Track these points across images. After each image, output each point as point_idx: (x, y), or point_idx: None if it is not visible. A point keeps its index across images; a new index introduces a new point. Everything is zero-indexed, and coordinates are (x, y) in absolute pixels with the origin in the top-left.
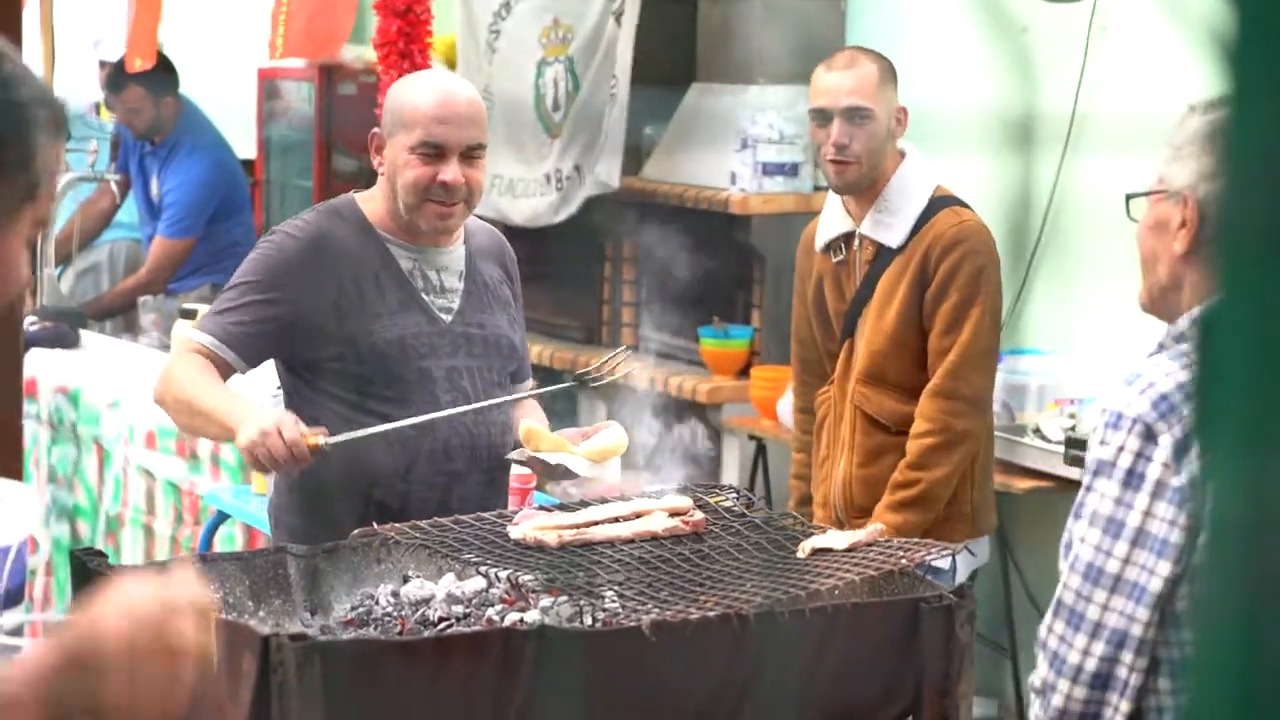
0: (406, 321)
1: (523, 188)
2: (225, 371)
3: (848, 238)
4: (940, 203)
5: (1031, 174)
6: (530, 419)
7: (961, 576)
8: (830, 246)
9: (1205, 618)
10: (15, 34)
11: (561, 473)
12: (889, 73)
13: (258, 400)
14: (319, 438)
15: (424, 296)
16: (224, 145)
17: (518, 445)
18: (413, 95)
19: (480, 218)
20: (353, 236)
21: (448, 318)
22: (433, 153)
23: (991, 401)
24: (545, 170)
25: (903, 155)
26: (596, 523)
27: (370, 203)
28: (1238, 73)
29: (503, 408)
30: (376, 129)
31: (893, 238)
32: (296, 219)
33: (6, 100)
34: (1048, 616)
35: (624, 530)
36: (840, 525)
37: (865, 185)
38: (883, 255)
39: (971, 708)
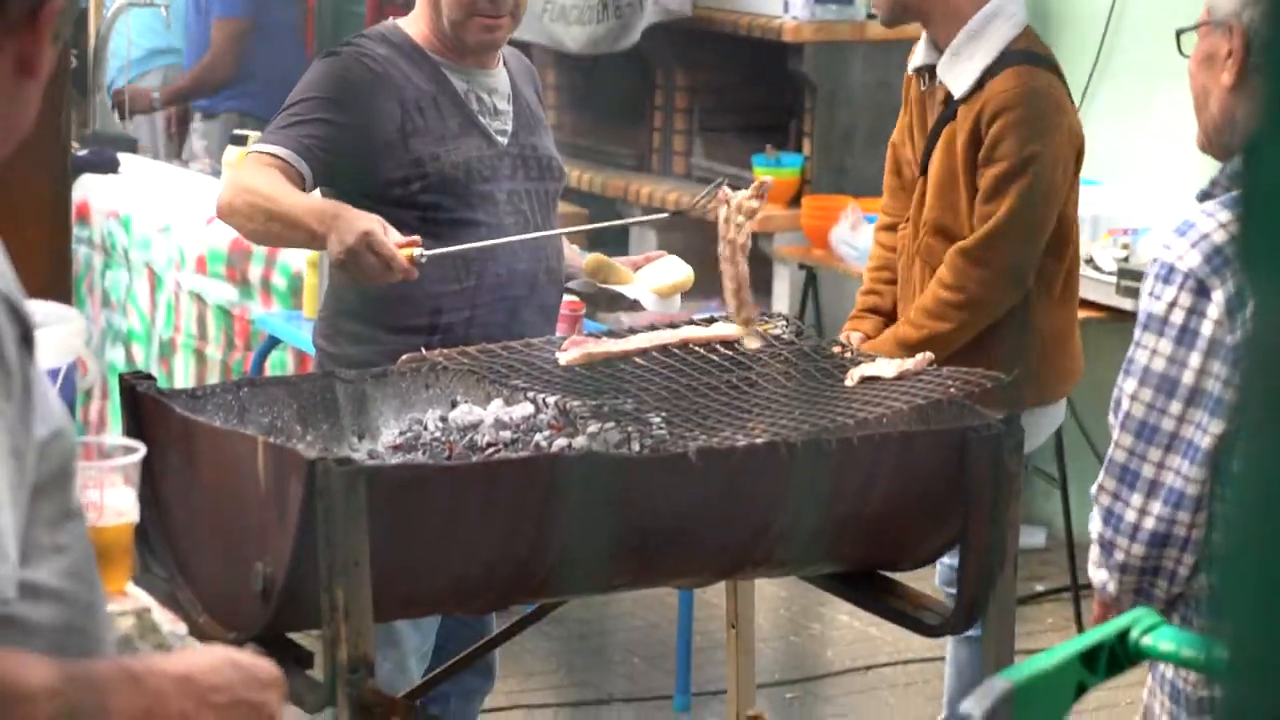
0: (469, 145)
1: (577, 14)
2: (298, 185)
3: (931, 70)
4: (1010, 58)
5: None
6: (588, 251)
7: (1038, 440)
8: (919, 72)
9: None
10: None
11: (627, 305)
12: None
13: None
14: (414, 249)
15: (481, 119)
16: None
17: (572, 277)
18: None
19: (532, 44)
20: (407, 60)
21: (504, 140)
22: None
23: (1025, 277)
24: None
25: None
26: (646, 350)
27: (414, 26)
28: None
29: (556, 235)
30: None
31: (957, 86)
32: (350, 42)
33: None
34: (1100, 474)
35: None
36: None
37: (900, 16)
38: (950, 102)
39: (1019, 536)
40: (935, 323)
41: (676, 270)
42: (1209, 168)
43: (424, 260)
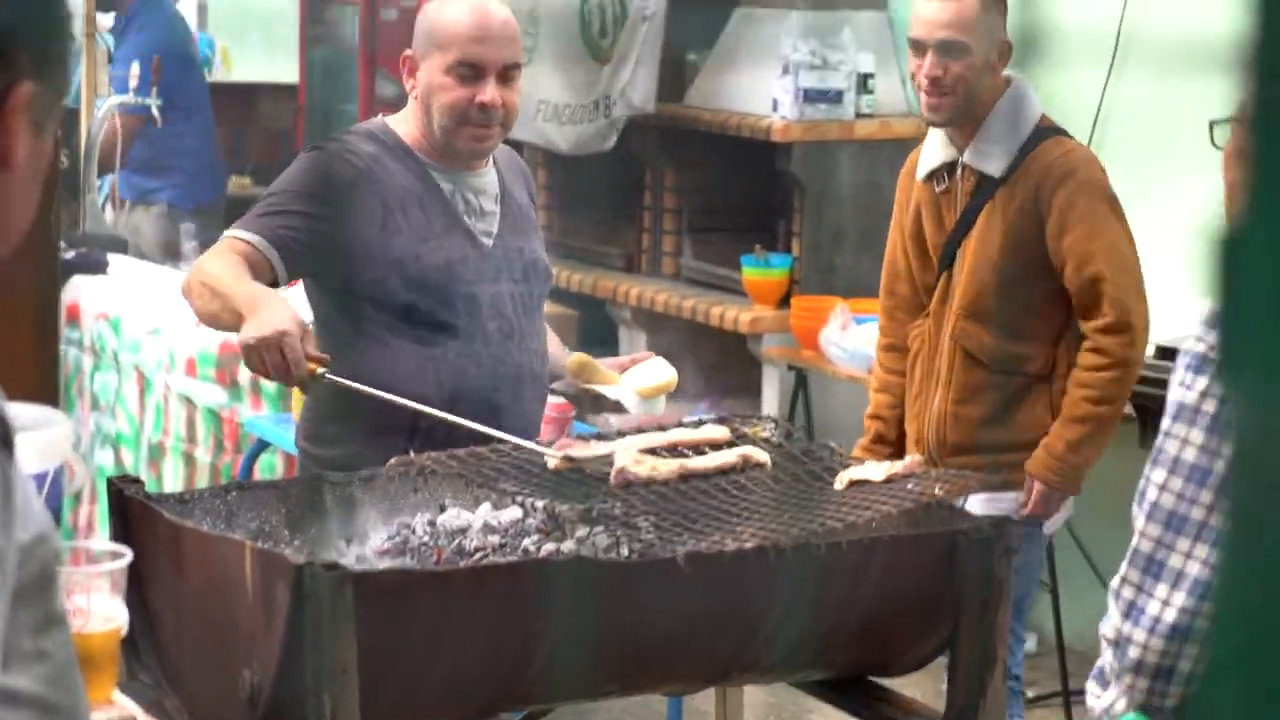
0: (452, 245)
1: (569, 114)
2: (266, 274)
3: (950, 167)
4: (1043, 133)
5: (1073, 99)
6: (573, 352)
7: (1061, 521)
8: (932, 176)
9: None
10: None
11: (610, 406)
12: (994, 2)
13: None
14: (320, 367)
15: (466, 220)
16: (176, 31)
17: (556, 377)
18: (447, 15)
19: (525, 143)
20: (394, 158)
21: (489, 242)
22: (469, 73)
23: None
24: (594, 97)
25: (1009, 83)
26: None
27: (403, 125)
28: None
29: (540, 339)
30: (409, 51)
31: (994, 167)
32: (336, 138)
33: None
34: (1123, 567)
35: (712, 462)
36: (933, 463)
37: (958, 120)
38: (985, 185)
39: (1008, 641)
40: (1105, 407)
41: (661, 372)
42: (1198, 262)
43: (323, 379)
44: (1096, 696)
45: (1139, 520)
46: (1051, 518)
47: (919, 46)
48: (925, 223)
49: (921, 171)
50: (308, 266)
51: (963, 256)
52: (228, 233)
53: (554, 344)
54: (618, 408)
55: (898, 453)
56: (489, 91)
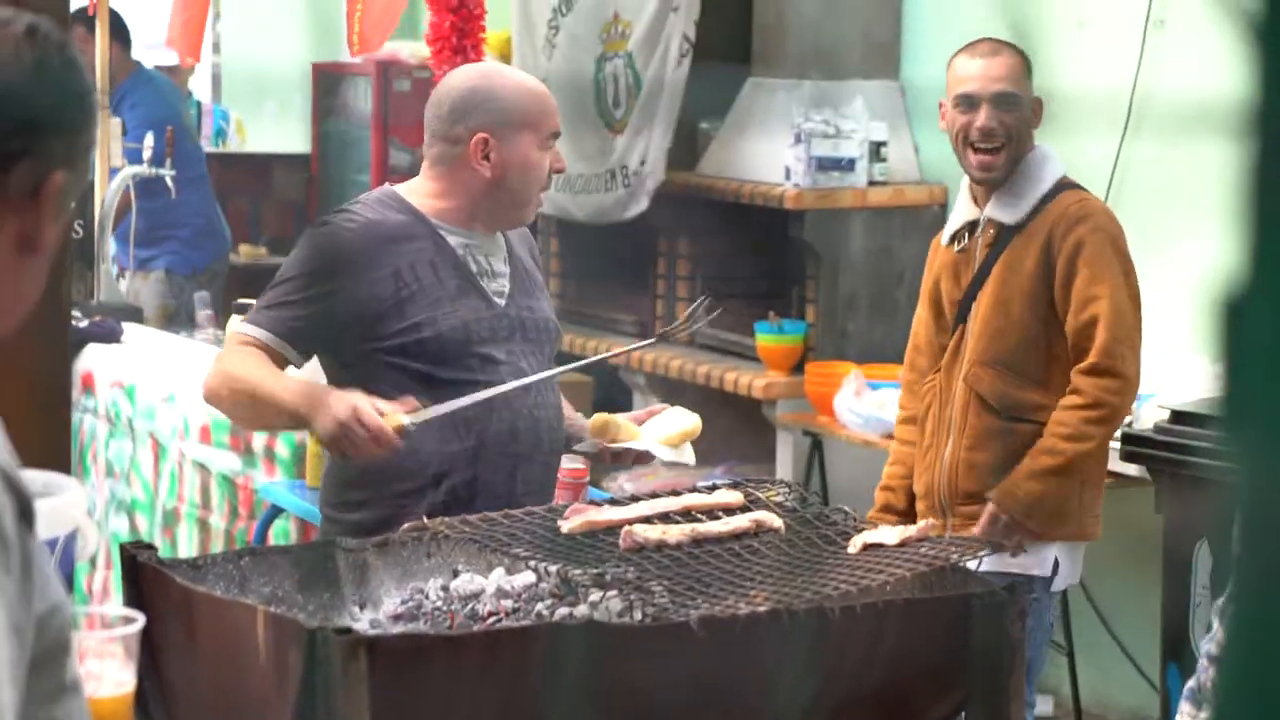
0: (467, 307)
1: (582, 183)
2: (280, 366)
3: (972, 226)
4: (1064, 186)
5: (1087, 164)
6: (590, 414)
7: (1068, 580)
8: (955, 237)
9: (1241, 611)
10: (60, 23)
11: (636, 457)
12: (1029, 64)
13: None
14: (400, 416)
15: (479, 281)
16: (170, 103)
17: (576, 439)
18: (524, 91)
19: (542, 213)
20: (404, 223)
21: (501, 302)
22: (551, 143)
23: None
24: (609, 166)
25: (1033, 145)
26: (648, 518)
27: (415, 194)
28: (1267, 58)
29: (555, 391)
30: (483, 134)
31: (1012, 216)
32: (343, 208)
33: (83, 89)
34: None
35: (725, 526)
36: (942, 513)
37: (1008, 173)
38: (1003, 235)
39: (1023, 705)
40: (1076, 445)
41: (683, 420)
42: (1202, 323)
43: (413, 429)
44: (1191, 716)
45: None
46: (1009, 550)
47: (971, 101)
48: (944, 284)
49: (945, 235)
50: (322, 346)
51: (977, 307)
52: (237, 328)
53: (568, 408)
54: (645, 457)
55: (906, 521)
56: (560, 157)
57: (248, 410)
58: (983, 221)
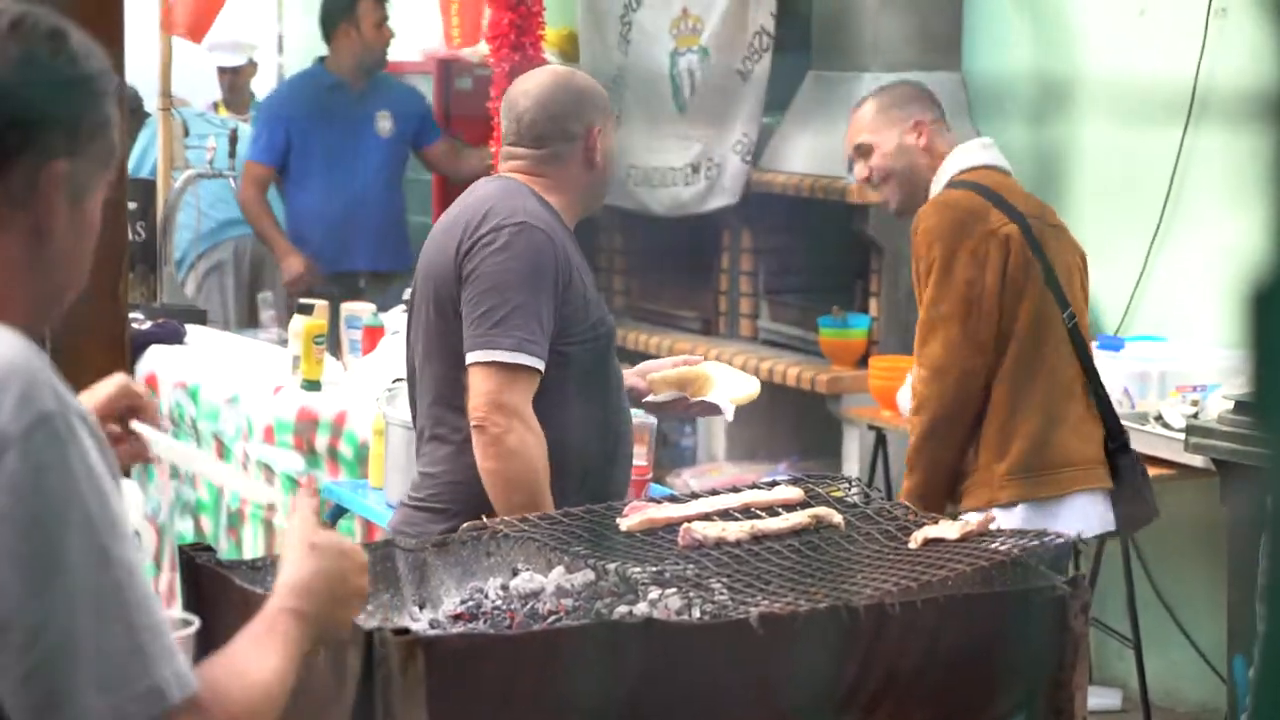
0: (599, 302)
1: (660, 177)
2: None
3: None
4: (953, 184)
5: (1150, 154)
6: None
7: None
8: None
9: (1273, 600)
10: (116, 32)
11: (704, 410)
12: (894, 98)
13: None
14: None
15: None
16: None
17: (638, 392)
18: (597, 84)
19: (616, 208)
20: (557, 224)
21: (596, 297)
22: None
23: (952, 371)
24: (689, 161)
25: (946, 153)
26: (707, 516)
27: (552, 194)
28: None
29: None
30: (598, 127)
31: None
32: (517, 207)
33: (79, 74)
34: None
35: (784, 523)
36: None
37: (917, 198)
38: None
39: (1086, 699)
40: (913, 436)
41: (749, 385)
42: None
43: None
44: None
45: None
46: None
47: (848, 162)
48: None
49: None
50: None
51: None
52: (512, 359)
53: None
54: (713, 410)
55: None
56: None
57: (519, 492)
58: None
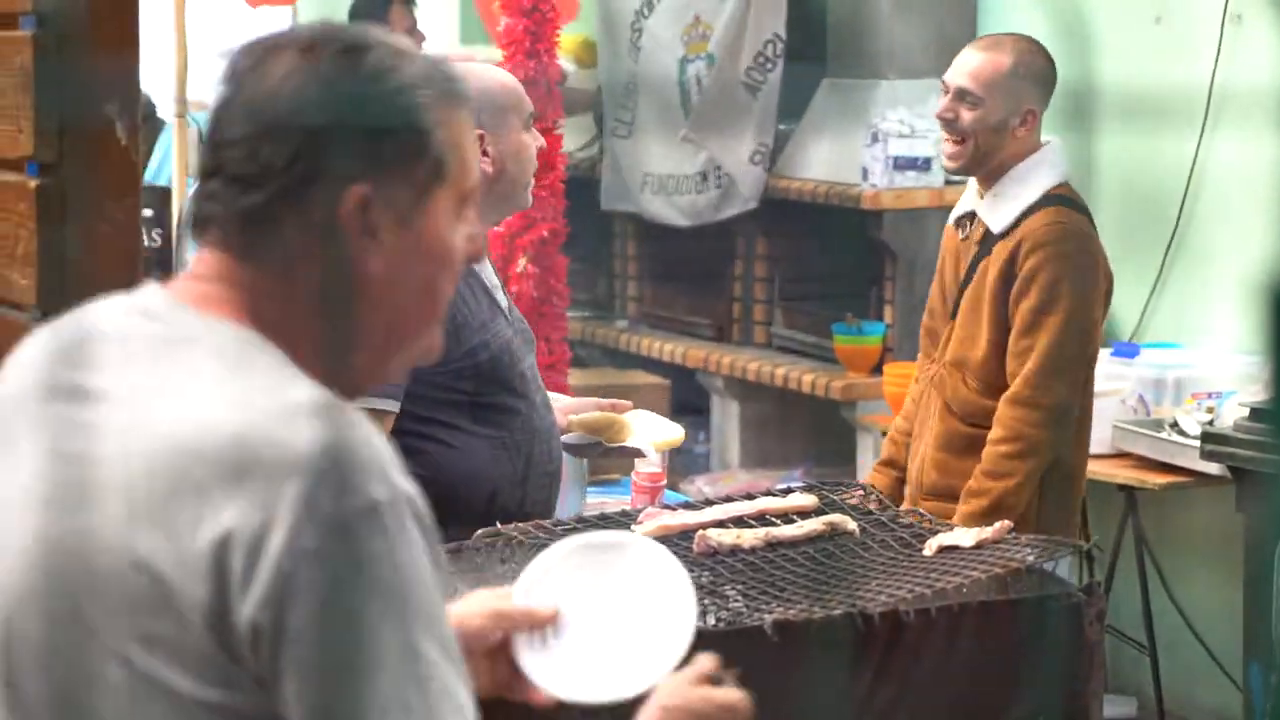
0: (499, 326)
1: (675, 184)
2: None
3: (972, 216)
4: (1051, 199)
5: (1165, 162)
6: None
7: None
8: (959, 222)
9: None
10: (131, 39)
11: (628, 454)
12: (1030, 70)
13: None
14: None
15: (495, 297)
16: None
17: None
18: (498, 78)
19: (629, 215)
20: None
21: (508, 315)
22: (531, 123)
23: (1073, 413)
24: (700, 168)
25: (1039, 148)
26: (722, 523)
27: None
28: None
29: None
30: (478, 131)
31: (996, 222)
32: None
33: (381, 92)
34: None
35: (799, 530)
36: (913, 502)
37: (973, 170)
38: (987, 239)
39: (1102, 707)
40: (999, 482)
41: (672, 431)
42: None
43: None
44: None
45: None
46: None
47: (945, 88)
48: (947, 269)
49: (952, 216)
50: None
51: (961, 306)
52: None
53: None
54: (636, 454)
55: (902, 476)
56: (539, 135)
57: None
58: (974, 216)
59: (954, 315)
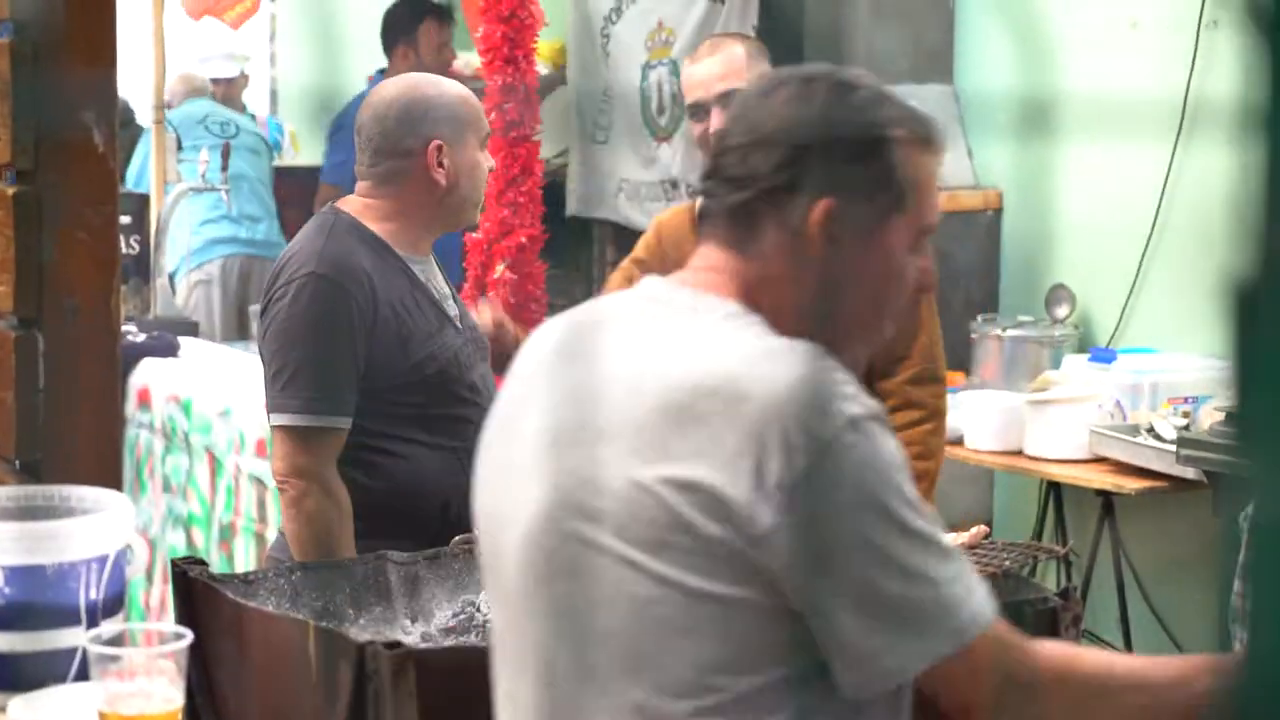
0: (447, 337)
1: (647, 191)
2: (341, 445)
3: None
4: None
5: (1141, 167)
6: None
7: None
8: None
9: (1257, 620)
10: (109, 45)
11: None
12: (759, 50)
13: None
14: None
15: (443, 307)
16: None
17: None
18: (460, 93)
19: (607, 221)
20: (376, 257)
21: (459, 325)
22: (486, 142)
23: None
24: (661, 176)
25: None
26: None
27: (367, 218)
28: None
29: None
30: (437, 140)
31: None
32: (317, 250)
33: (860, 124)
34: None
35: None
36: None
37: None
38: None
39: None
40: (929, 462)
41: None
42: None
43: None
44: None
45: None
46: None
47: (699, 109)
48: None
49: None
50: (353, 406)
51: None
52: (300, 421)
53: None
54: None
55: None
56: (490, 155)
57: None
58: None
59: None
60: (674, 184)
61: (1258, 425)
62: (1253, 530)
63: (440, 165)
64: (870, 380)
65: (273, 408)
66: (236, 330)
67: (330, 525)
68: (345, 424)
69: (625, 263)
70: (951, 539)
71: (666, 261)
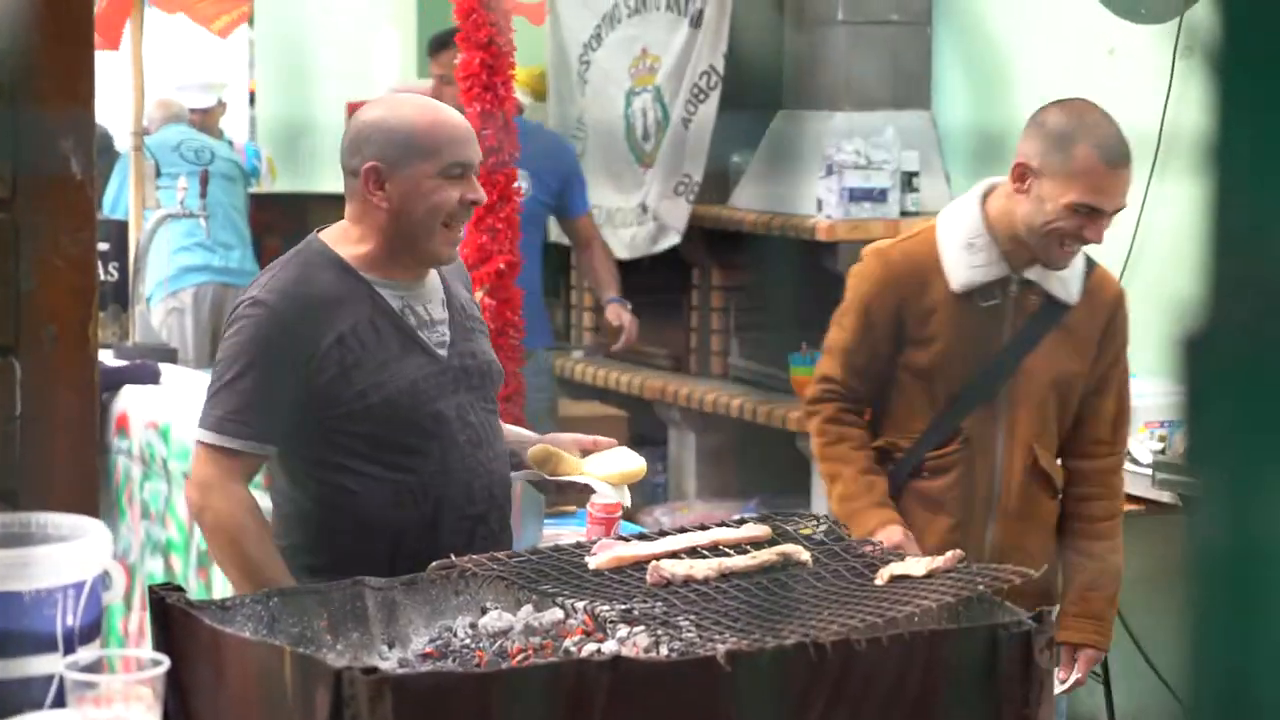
0: (412, 365)
1: (621, 217)
2: (256, 469)
3: (1002, 283)
4: (1089, 259)
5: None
6: (527, 437)
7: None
8: (976, 291)
9: (1193, 646)
10: (86, 69)
11: (579, 491)
12: None
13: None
14: None
15: (420, 335)
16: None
17: (518, 466)
18: (417, 121)
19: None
20: (338, 284)
21: (444, 352)
22: (459, 174)
23: None
24: (639, 200)
25: None
26: (675, 553)
27: (340, 242)
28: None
29: (502, 437)
30: (373, 163)
31: (1066, 292)
32: (273, 278)
33: None
34: None
35: (752, 560)
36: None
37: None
38: (1052, 309)
39: None
40: (1120, 555)
41: (629, 460)
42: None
43: None
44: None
45: None
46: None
47: (1094, 212)
48: (955, 338)
49: (960, 285)
50: (282, 430)
51: (1024, 380)
52: (208, 438)
53: (510, 432)
54: (587, 490)
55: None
56: (476, 189)
57: (231, 566)
58: (1019, 285)
59: (993, 393)
60: (644, 208)
61: (1200, 454)
62: (1192, 553)
63: (380, 189)
64: (1063, 455)
65: (197, 421)
66: (209, 358)
67: (232, 534)
68: (257, 449)
69: None
70: (926, 562)
71: None
